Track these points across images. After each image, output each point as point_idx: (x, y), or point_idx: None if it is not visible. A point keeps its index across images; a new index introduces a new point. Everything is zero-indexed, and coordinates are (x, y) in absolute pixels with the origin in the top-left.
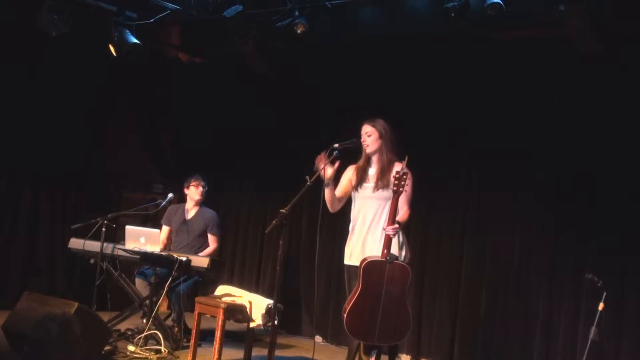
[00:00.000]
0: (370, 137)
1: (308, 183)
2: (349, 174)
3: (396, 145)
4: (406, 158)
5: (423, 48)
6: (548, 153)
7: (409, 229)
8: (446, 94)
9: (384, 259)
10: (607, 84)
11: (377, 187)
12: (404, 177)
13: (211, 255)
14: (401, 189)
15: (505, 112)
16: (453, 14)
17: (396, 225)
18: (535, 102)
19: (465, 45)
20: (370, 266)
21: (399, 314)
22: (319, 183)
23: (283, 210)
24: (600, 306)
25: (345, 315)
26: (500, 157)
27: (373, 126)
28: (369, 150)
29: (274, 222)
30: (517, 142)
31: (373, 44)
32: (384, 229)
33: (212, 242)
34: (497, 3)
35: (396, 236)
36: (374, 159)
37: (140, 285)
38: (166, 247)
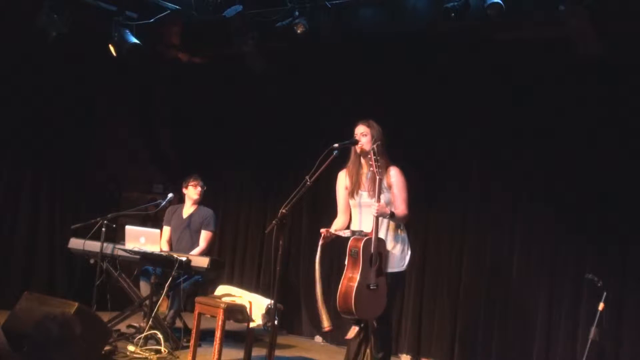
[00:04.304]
0: (365, 137)
1: (308, 183)
2: (343, 181)
3: (386, 148)
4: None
5: (423, 48)
6: (548, 153)
7: (409, 229)
8: (446, 94)
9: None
10: (607, 84)
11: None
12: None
13: (204, 255)
14: (379, 170)
15: (505, 112)
16: (453, 14)
17: (382, 204)
18: (535, 102)
19: (465, 45)
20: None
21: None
22: (319, 183)
23: (283, 210)
24: (600, 306)
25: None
26: (500, 157)
27: (368, 126)
28: (360, 150)
29: (274, 222)
30: (517, 142)
31: (373, 43)
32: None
33: (204, 239)
34: (497, 3)
35: (400, 242)
36: (366, 160)
37: (145, 288)
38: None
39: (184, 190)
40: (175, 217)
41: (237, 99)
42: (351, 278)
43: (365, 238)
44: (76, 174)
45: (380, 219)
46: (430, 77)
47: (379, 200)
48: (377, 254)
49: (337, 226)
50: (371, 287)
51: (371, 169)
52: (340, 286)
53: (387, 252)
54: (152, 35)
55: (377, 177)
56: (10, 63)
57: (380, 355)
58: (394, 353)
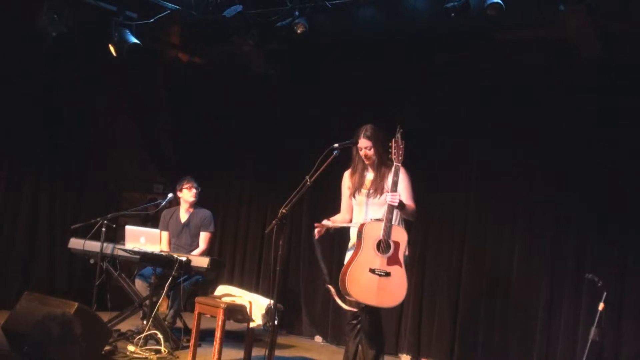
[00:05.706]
0: (370, 150)
1: (308, 183)
2: (347, 181)
3: (387, 145)
4: (398, 128)
5: (423, 48)
6: (548, 153)
7: (410, 228)
8: (446, 94)
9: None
10: (607, 84)
11: (377, 193)
12: (397, 144)
13: (204, 255)
14: (400, 158)
15: (505, 112)
16: (453, 14)
17: (397, 193)
18: (535, 102)
19: (465, 45)
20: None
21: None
22: (319, 183)
23: (283, 210)
24: (600, 306)
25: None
26: (501, 157)
27: (370, 139)
28: (369, 162)
29: (273, 222)
30: (517, 142)
31: (373, 43)
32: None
33: (203, 241)
34: (497, 3)
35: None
36: (372, 165)
37: (140, 287)
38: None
39: (179, 194)
40: (173, 220)
41: (237, 99)
42: (352, 258)
43: (371, 221)
44: (76, 174)
45: (394, 211)
46: (430, 77)
47: (395, 190)
48: (388, 240)
49: (336, 218)
50: (376, 272)
51: (391, 155)
52: (344, 267)
53: (405, 242)
54: (152, 35)
55: (395, 164)
56: (10, 63)
57: (372, 352)
58: (394, 353)
